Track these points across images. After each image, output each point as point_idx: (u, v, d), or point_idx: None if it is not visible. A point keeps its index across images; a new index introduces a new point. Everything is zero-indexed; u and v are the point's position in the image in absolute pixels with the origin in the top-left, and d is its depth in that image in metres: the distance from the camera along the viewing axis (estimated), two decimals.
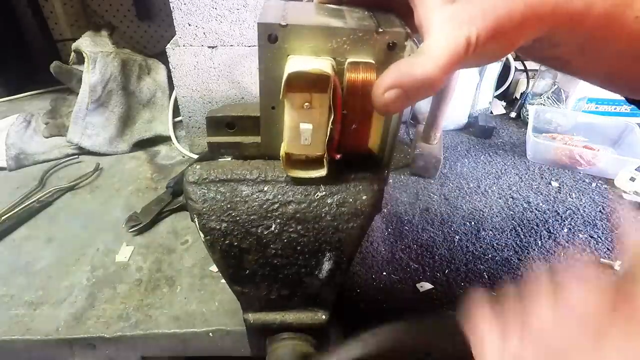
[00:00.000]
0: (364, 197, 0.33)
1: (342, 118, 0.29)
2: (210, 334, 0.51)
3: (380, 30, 0.26)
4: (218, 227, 0.33)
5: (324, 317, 0.39)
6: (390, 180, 0.83)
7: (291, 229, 0.33)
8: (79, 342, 0.51)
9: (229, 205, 0.33)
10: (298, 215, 0.33)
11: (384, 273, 0.62)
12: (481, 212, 0.75)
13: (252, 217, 0.33)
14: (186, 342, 0.52)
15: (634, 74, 0.24)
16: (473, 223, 0.72)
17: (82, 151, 0.84)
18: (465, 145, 0.98)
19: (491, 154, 0.94)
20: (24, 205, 0.69)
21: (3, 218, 0.66)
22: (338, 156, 0.31)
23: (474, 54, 0.21)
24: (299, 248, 0.34)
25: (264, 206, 0.33)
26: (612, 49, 0.23)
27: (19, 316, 0.52)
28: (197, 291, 0.56)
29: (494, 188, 0.82)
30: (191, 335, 0.51)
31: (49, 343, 0.50)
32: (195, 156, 0.84)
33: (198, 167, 0.34)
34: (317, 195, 0.33)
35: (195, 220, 0.33)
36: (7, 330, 0.50)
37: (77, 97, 0.82)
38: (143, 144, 0.89)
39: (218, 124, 0.35)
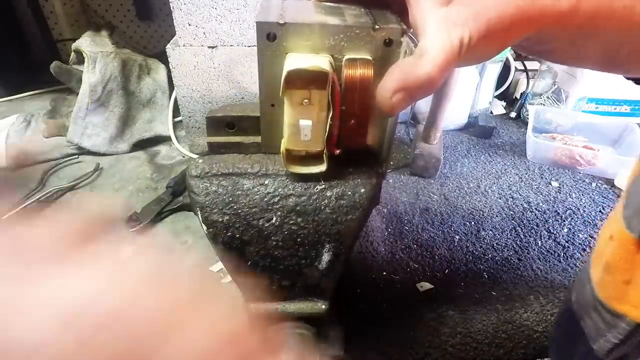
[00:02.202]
0: (362, 190, 0.33)
1: (341, 114, 0.29)
2: None
3: (377, 27, 0.26)
4: (220, 219, 0.34)
5: (323, 307, 0.40)
6: (390, 180, 0.83)
7: (291, 221, 0.34)
8: None
9: (230, 199, 0.33)
10: (298, 207, 0.33)
11: (384, 273, 0.62)
12: (481, 212, 0.75)
13: (253, 209, 0.33)
14: None
15: (625, 57, 0.25)
16: (473, 223, 0.72)
17: (82, 151, 0.84)
18: (465, 145, 0.98)
19: (491, 154, 0.94)
20: (24, 205, 0.69)
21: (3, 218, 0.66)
22: (337, 151, 0.31)
23: (467, 53, 0.22)
24: (299, 240, 0.34)
25: (265, 199, 0.33)
26: (603, 38, 0.24)
27: None
28: None
29: (494, 188, 0.82)
30: None
31: None
32: (195, 156, 0.84)
33: (200, 161, 0.35)
34: (317, 189, 0.33)
35: (198, 213, 0.34)
36: None
37: (77, 97, 0.82)
38: (143, 144, 0.89)
39: (218, 124, 0.35)
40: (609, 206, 0.77)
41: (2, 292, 0.14)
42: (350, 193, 0.33)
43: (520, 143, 0.98)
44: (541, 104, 1.05)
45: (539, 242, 0.69)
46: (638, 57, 0.25)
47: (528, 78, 1.11)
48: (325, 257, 0.35)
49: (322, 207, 0.33)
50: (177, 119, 0.91)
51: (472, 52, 0.22)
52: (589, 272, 0.38)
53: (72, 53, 0.87)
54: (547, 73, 1.05)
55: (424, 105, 0.96)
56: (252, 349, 0.16)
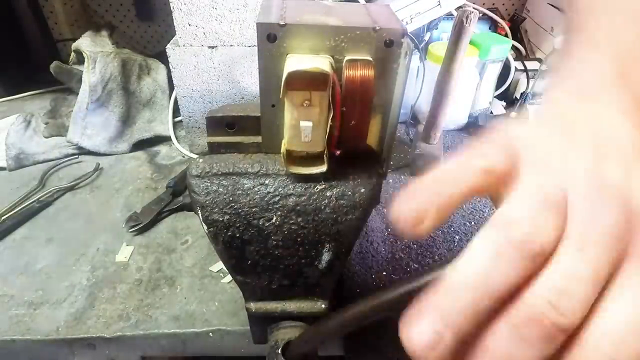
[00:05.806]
0: (363, 190, 0.34)
1: (342, 115, 0.29)
2: (210, 334, 0.51)
3: (377, 27, 0.26)
4: (220, 219, 0.34)
5: (323, 306, 0.40)
6: (390, 180, 0.83)
7: (292, 221, 0.34)
8: (79, 342, 0.51)
9: (231, 198, 0.34)
10: (298, 207, 0.34)
11: (384, 273, 0.62)
12: (481, 212, 0.75)
13: (253, 209, 0.34)
14: (186, 342, 0.52)
15: None
16: (473, 223, 0.72)
17: (82, 151, 0.84)
18: (465, 145, 0.98)
19: None
20: (24, 205, 0.69)
21: (3, 218, 0.66)
22: (338, 152, 0.31)
23: None
24: (299, 239, 0.35)
25: (265, 199, 0.34)
26: None
27: (19, 316, 0.52)
28: (197, 291, 0.56)
29: None
30: (191, 335, 0.51)
31: (49, 343, 0.50)
32: (195, 156, 0.84)
33: (201, 160, 0.35)
34: (317, 188, 0.33)
35: (199, 212, 0.34)
36: (7, 330, 0.50)
37: (77, 97, 0.82)
38: (143, 144, 0.89)
39: (218, 124, 0.35)
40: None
41: None
42: (350, 193, 0.33)
43: None
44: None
45: None
46: None
47: (528, 78, 1.11)
48: (325, 256, 0.36)
49: (322, 207, 0.33)
50: (177, 119, 0.91)
51: None
52: None
53: (72, 53, 0.87)
54: (548, 73, 1.05)
55: (424, 105, 0.96)
56: None
